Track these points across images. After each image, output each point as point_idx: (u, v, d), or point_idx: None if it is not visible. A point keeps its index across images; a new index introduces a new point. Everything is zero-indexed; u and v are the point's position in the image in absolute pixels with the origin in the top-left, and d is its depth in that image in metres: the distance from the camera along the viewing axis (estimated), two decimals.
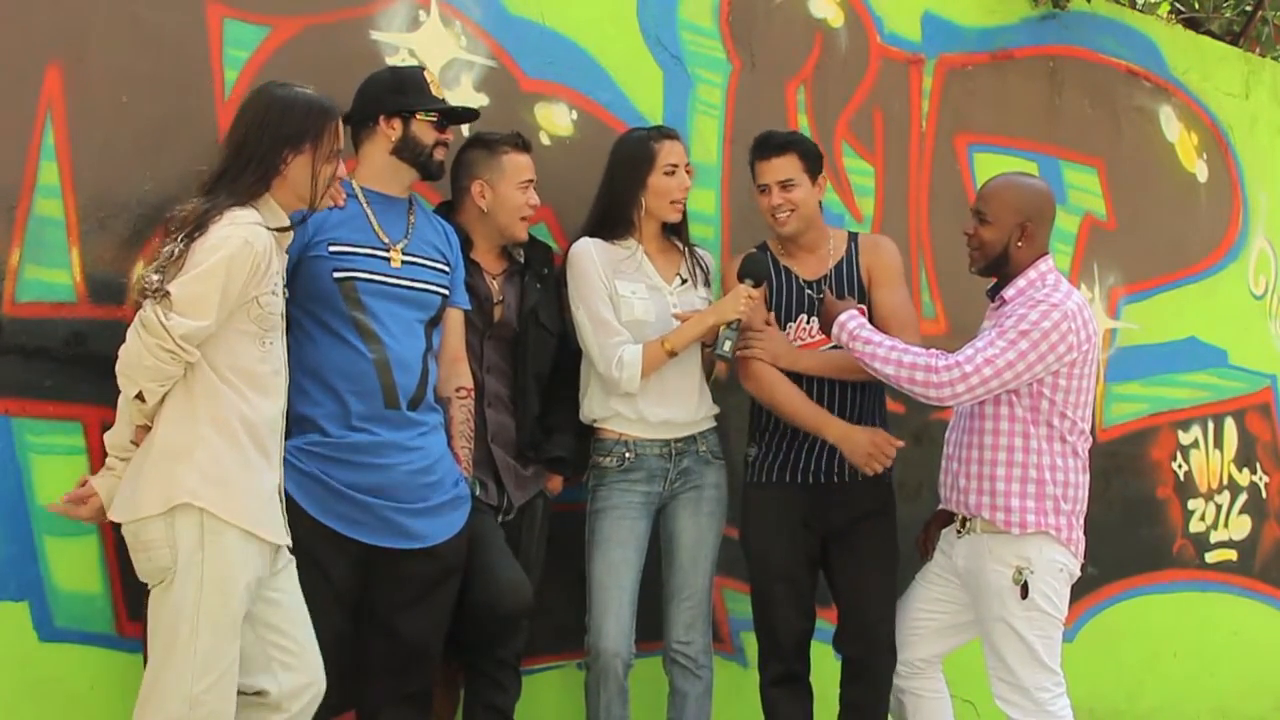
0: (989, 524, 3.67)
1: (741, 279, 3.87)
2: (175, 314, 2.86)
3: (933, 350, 3.66)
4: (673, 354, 3.81)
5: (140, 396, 2.92)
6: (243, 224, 2.95)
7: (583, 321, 3.82)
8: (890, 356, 3.64)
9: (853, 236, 4.10)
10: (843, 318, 3.74)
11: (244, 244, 2.92)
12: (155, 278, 2.90)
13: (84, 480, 3.09)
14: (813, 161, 3.96)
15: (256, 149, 3.02)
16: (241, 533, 2.95)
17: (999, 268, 3.76)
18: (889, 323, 3.90)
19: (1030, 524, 3.62)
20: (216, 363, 2.95)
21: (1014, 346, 3.56)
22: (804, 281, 4.00)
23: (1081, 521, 3.73)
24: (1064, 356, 3.60)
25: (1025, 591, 3.60)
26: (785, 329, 3.98)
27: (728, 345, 3.79)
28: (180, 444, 2.93)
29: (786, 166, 3.92)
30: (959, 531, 3.76)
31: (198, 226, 2.93)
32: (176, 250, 2.92)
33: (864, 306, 3.94)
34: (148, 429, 2.98)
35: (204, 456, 2.92)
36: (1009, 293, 3.72)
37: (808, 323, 3.97)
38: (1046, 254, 3.78)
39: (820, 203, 4.03)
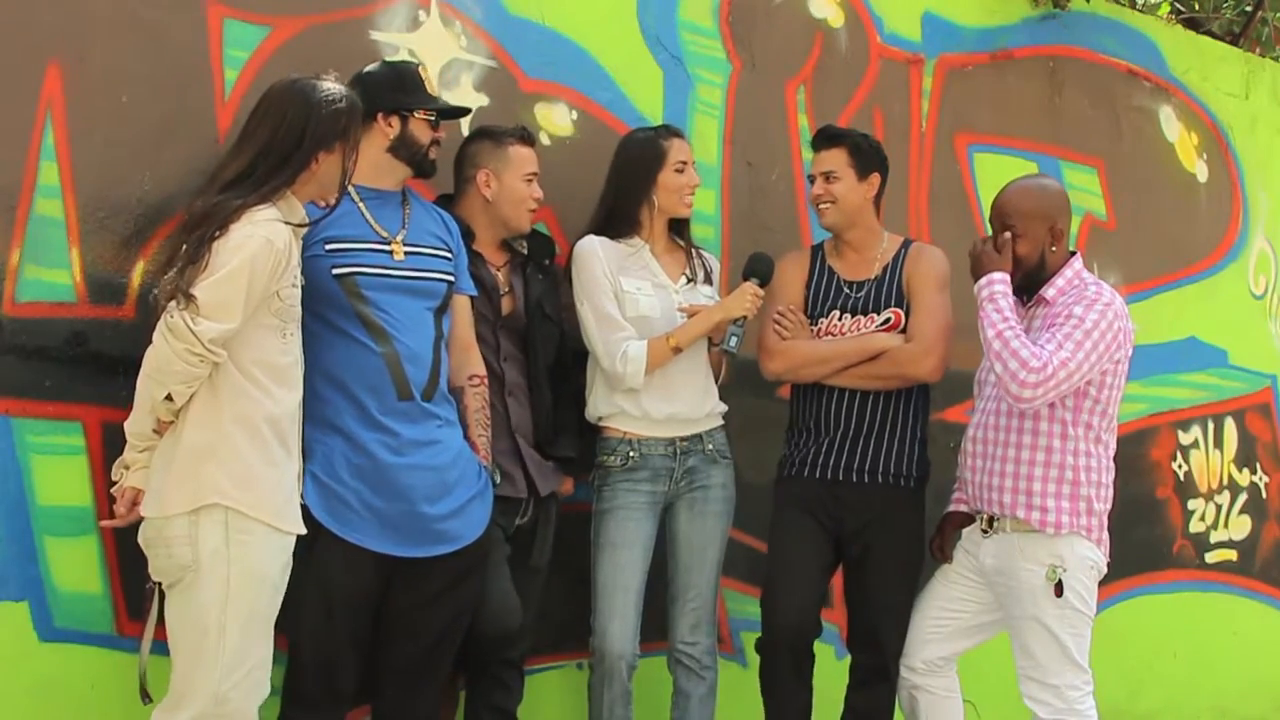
0: (1021, 523, 3.66)
1: (747, 277, 3.88)
2: (203, 318, 2.88)
3: (1039, 351, 3.56)
4: (678, 350, 3.81)
5: (169, 397, 2.94)
6: (262, 222, 2.96)
7: (587, 317, 3.82)
8: (1003, 331, 3.57)
9: (906, 243, 4.09)
10: (996, 275, 3.67)
11: (265, 243, 2.94)
12: (182, 282, 2.90)
13: (123, 491, 3.09)
14: (864, 159, 3.98)
15: (292, 151, 3.04)
16: (267, 528, 2.99)
17: (1035, 275, 3.74)
18: (914, 332, 3.92)
19: (1065, 525, 3.63)
20: (240, 358, 2.98)
21: (1081, 348, 3.55)
22: (845, 281, 4.02)
23: (1107, 519, 3.73)
24: (1115, 355, 3.63)
25: (1060, 590, 3.59)
26: (817, 323, 4.00)
27: (734, 342, 3.80)
28: (207, 443, 2.96)
29: (832, 159, 3.96)
30: (985, 531, 3.76)
31: (219, 226, 2.94)
32: (197, 250, 2.92)
33: (900, 311, 3.96)
34: (170, 421, 3.00)
35: (230, 456, 2.96)
36: (1049, 293, 3.72)
37: (839, 319, 3.99)
38: (1076, 253, 3.80)
39: (875, 202, 4.03)
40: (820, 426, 3.98)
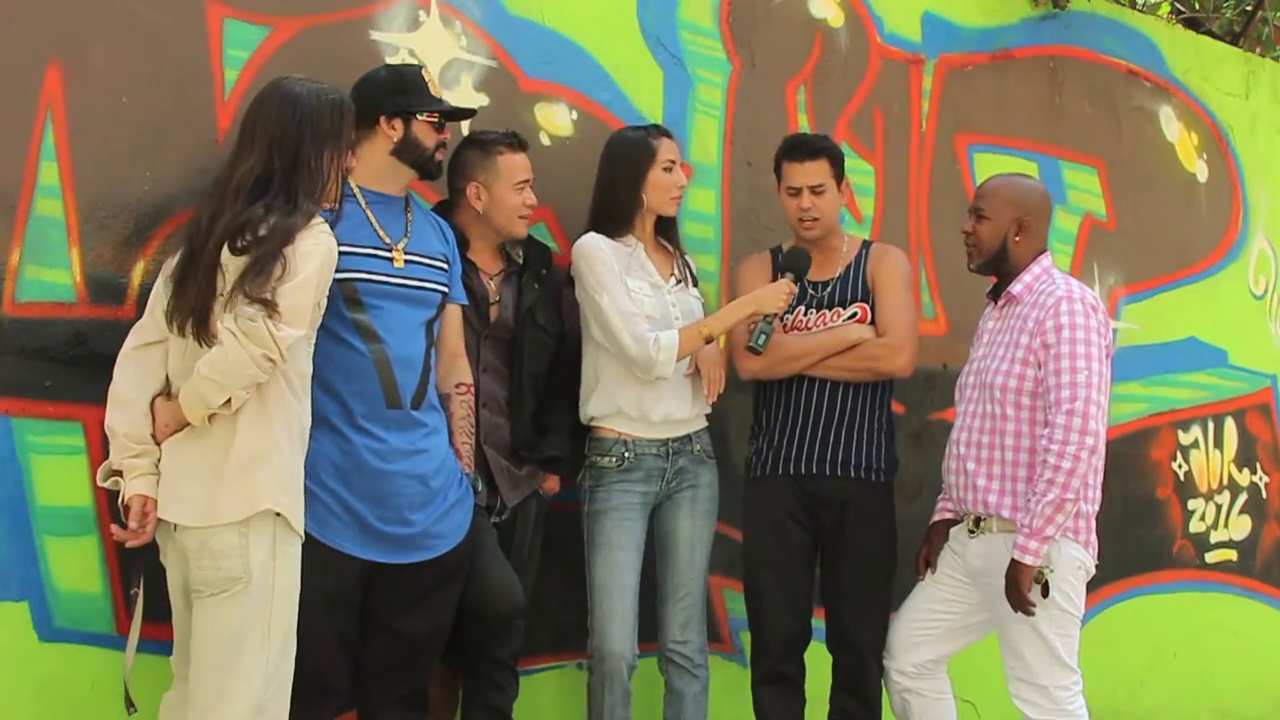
0: (1007, 522, 3.65)
1: (783, 272, 3.88)
2: (284, 324, 2.89)
3: (1044, 440, 3.54)
4: (709, 339, 3.81)
5: (227, 402, 2.93)
6: (320, 231, 2.98)
7: (607, 309, 3.76)
8: (1057, 480, 3.48)
9: (866, 244, 4.12)
10: (1019, 542, 3.52)
11: (329, 252, 2.98)
12: (255, 289, 2.88)
13: (128, 502, 3.04)
14: (839, 167, 4.01)
15: (303, 149, 3.02)
16: (299, 538, 3.03)
17: (997, 265, 3.78)
18: (885, 327, 3.94)
19: None
20: (285, 367, 2.98)
21: (1091, 362, 3.54)
22: (808, 280, 4.02)
23: (1094, 520, 3.72)
24: (1107, 346, 3.64)
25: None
26: (783, 320, 4.00)
27: (763, 340, 3.78)
28: (259, 450, 2.96)
29: (820, 171, 3.96)
30: (971, 532, 3.75)
31: (287, 235, 2.93)
32: (270, 261, 2.90)
33: (866, 306, 3.97)
34: (175, 430, 3.00)
35: (279, 463, 2.97)
36: (1016, 289, 3.73)
37: (805, 315, 4.00)
38: (1046, 250, 3.80)
39: (840, 208, 4.08)
40: (787, 419, 3.97)
